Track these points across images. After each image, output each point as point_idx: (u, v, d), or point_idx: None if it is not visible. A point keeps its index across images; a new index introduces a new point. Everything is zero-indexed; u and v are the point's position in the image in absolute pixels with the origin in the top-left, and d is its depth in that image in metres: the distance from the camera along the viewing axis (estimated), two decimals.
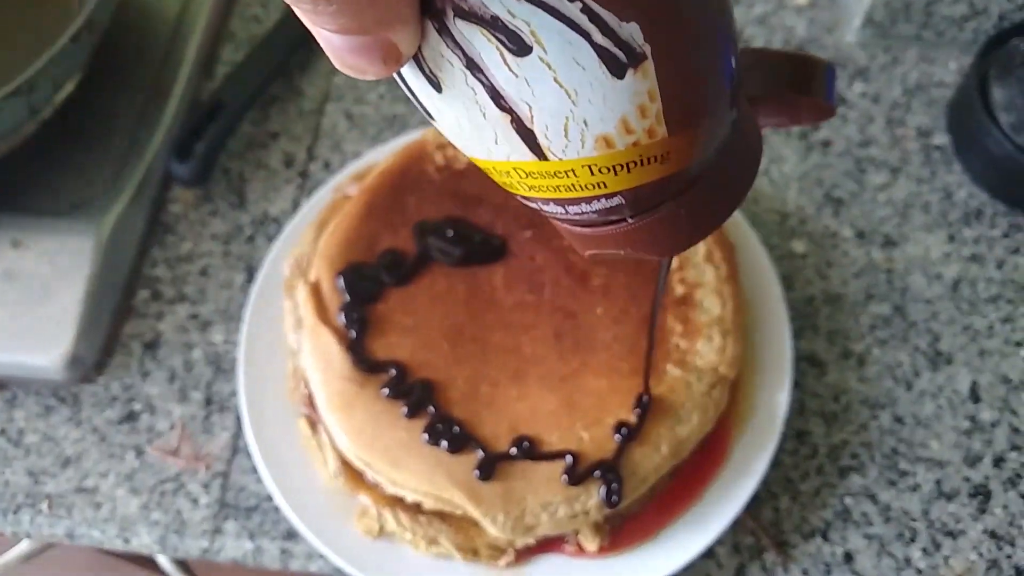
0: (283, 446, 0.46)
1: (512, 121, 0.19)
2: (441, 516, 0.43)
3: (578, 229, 0.23)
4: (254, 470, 0.47)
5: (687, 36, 0.19)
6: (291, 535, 0.46)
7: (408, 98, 0.21)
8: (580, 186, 0.21)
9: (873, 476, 0.47)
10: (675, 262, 0.46)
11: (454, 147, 0.49)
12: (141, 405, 0.49)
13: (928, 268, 0.52)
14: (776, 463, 0.47)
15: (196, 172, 0.53)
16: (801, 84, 0.24)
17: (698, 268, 0.46)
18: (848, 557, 0.45)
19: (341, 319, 0.45)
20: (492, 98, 0.19)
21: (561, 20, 0.17)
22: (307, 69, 0.59)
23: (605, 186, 0.21)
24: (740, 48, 0.22)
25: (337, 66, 0.18)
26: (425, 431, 0.42)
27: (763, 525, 0.46)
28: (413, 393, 0.43)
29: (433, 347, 0.45)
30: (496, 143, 0.20)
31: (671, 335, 0.45)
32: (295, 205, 0.55)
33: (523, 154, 0.20)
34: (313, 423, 0.46)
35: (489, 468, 0.41)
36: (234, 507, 0.47)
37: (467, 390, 0.44)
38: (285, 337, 0.48)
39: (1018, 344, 0.50)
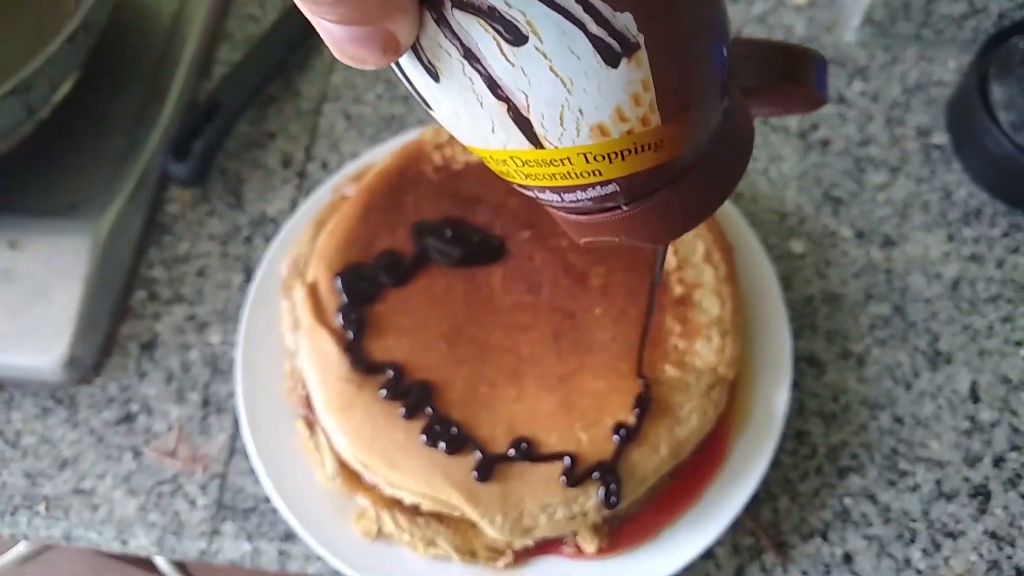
0: (281, 447, 0.46)
1: (509, 110, 0.19)
2: (439, 518, 0.43)
3: (573, 217, 0.24)
4: (252, 471, 0.47)
5: (680, 26, 0.19)
6: (289, 536, 0.46)
7: (406, 89, 0.21)
8: (575, 174, 0.21)
9: (872, 476, 0.46)
10: (673, 262, 0.46)
11: (452, 147, 0.50)
12: (138, 406, 0.49)
13: (927, 268, 0.52)
14: (775, 464, 0.47)
15: (193, 172, 0.53)
16: (794, 74, 0.24)
17: (697, 268, 0.46)
18: (847, 558, 0.45)
19: (339, 320, 0.45)
20: (489, 87, 0.19)
21: (556, 10, 0.17)
22: (305, 69, 0.59)
23: (600, 174, 0.21)
24: (733, 38, 0.22)
25: (337, 56, 0.19)
26: (423, 432, 0.42)
27: (762, 526, 0.45)
28: (411, 394, 0.43)
29: (431, 348, 0.44)
30: (493, 132, 0.20)
31: (670, 335, 0.45)
32: (293, 205, 0.55)
33: (519, 142, 0.20)
34: (311, 424, 0.46)
35: (487, 469, 0.41)
36: (232, 508, 0.46)
37: (465, 391, 0.43)
38: (283, 338, 0.48)
39: (1018, 344, 0.49)
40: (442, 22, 0.18)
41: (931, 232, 0.53)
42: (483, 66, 0.18)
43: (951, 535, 0.45)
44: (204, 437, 0.48)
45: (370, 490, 0.44)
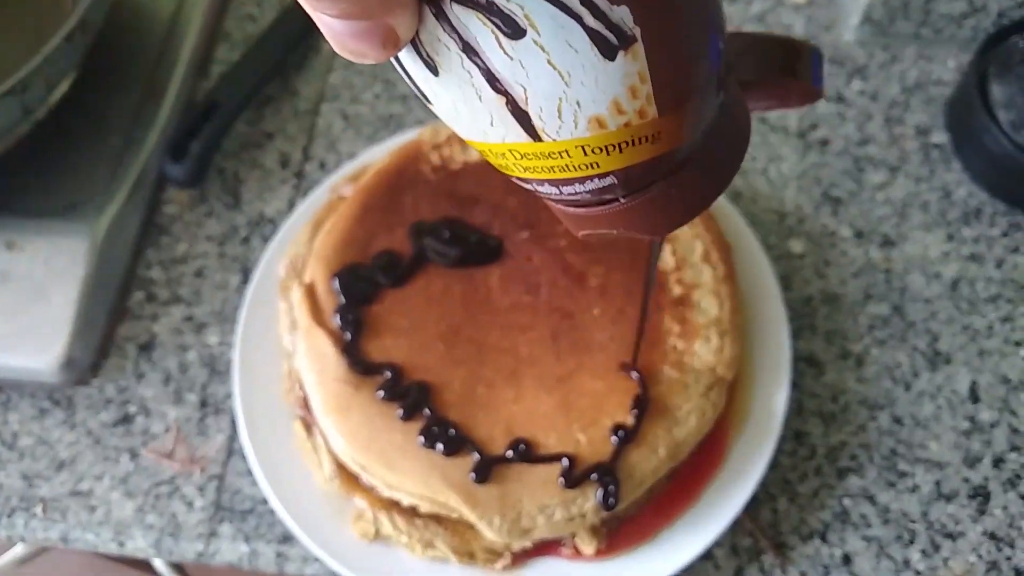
0: (278, 449, 0.46)
1: (507, 103, 0.20)
2: (437, 519, 0.43)
3: (571, 209, 0.24)
4: (249, 473, 0.47)
5: (677, 19, 0.19)
6: (287, 538, 0.45)
7: (405, 84, 0.21)
8: (573, 166, 0.21)
9: (872, 477, 0.46)
10: (672, 262, 0.46)
11: (450, 147, 0.49)
12: (136, 407, 0.49)
13: (927, 267, 0.51)
14: (774, 464, 0.46)
15: (191, 173, 0.53)
16: (790, 68, 0.24)
17: (695, 268, 0.46)
18: (847, 559, 0.45)
19: (336, 320, 0.45)
20: (488, 81, 0.19)
21: (553, 3, 0.18)
22: (302, 69, 0.59)
23: (598, 166, 0.21)
24: (729, 32, 0.22)
25: (337, 50, 0.19)
26: (421, 433, 0.42)
27: (761, 527, 0.45)
28: (409, 395, 0.43)
29: (429, 349, 0.44)
30: (492, 125, 0.20)
31: (668, 336, 0.45)
32: (290, 205, 0.55)
33: (518, 136, 0.21)
34: (308, 425, 0.46)
35: (485, 471, 0.41)
36: (229, 510, 0.46)
37: (463, 392, 0.43)
38: (280, 339, 0.48)
39: (1018, 344, 0.49)
40: (441, 16, 0.18)
41: (930, 232, 0.52)
42: (482, 60, 0.19)
43: (950, 536, 0.45)
44: (202, 438, 0.48)
45: (368, 491, 0.44)
